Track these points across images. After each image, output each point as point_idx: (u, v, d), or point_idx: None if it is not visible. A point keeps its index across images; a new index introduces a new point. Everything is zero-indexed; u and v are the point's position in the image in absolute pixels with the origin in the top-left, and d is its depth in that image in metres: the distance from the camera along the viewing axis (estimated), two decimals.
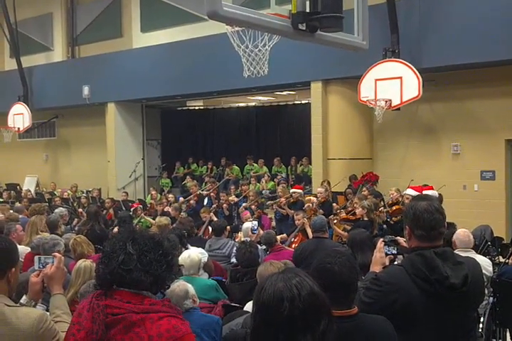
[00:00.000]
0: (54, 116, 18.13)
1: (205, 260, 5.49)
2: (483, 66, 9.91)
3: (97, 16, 17.12)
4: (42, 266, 2.67)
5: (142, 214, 10.57)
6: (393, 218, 8.02)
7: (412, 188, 8.18)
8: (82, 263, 4.13)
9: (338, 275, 2.35)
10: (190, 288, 3.72)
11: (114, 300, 2.04)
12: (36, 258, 2.72)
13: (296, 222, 7.82)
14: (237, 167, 15.37)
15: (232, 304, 4.58)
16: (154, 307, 2.03)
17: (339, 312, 2.25)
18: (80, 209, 11.43)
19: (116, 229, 8.44)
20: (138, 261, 2.04)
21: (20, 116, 16.57)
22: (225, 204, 10.69)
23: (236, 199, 10.94)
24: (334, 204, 9.73)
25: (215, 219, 9.14)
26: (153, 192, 13.24)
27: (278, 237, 7.33)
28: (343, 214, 8.28)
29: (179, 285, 3.61)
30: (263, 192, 11.94)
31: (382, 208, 8.17)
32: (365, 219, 7.38)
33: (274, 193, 10.92)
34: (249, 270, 4.91)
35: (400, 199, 8.50)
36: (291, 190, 10.25)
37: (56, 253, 2.77)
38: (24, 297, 2.72)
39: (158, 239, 2.15)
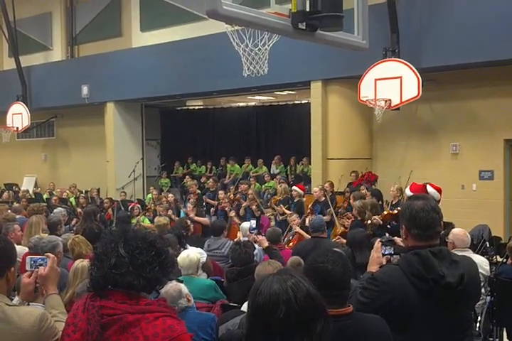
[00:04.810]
0: (53, 115, 18.10)
1: (204, 260, 5.50)
2: (483, 66, 9.90)
3: (97, 15, 17.09)
4: (34, 266, 2.63)
5: (141, 214, 10.54)
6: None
7: (415, 185, 8.14)
8: (79, 263, 4.11)
9: (331, 273, 2.36)
10: (184, 288, 3.73)
11: (109, 300, 2.02)
12: (28, 258, 2.67)
13: (290, 223, 7.86)
14: (238, 166, 15.38)
15: (231, 304, 4.58)
16: (150, 308, 2.01)
17: (334, 310, 2.25)
18: (79, 209, 11.40)
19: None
20: (130, 264, 2.02)
21: (18, 115, 16.53)
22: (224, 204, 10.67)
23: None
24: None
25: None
26: (154, 192, 13.06)
27: None
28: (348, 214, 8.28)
29: (172, 286, 3.62)
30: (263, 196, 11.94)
31: (374, 217, 7.96)
32: (359, 218, 7.39)
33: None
34: (243, 268, 4.91)
35: (401, 199, 8.47)
36: (293, 188, 10.30)
37: (49, 254, 2.75)
38: (16, 298, 2.71)
39: (150, 239, 2.12)
